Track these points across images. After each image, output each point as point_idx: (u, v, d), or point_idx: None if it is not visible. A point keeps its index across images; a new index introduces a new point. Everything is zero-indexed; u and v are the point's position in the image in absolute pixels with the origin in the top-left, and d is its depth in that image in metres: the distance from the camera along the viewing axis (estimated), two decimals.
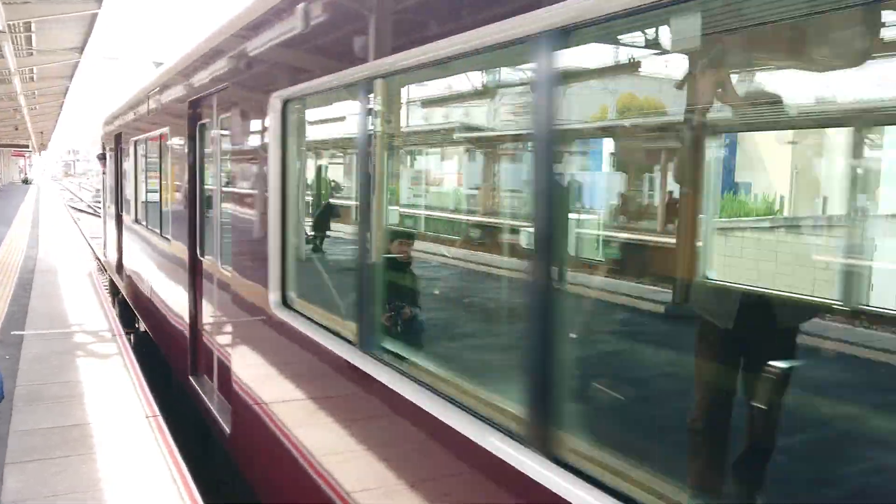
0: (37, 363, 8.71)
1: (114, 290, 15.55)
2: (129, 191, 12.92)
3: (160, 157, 9.75)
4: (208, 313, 7.14)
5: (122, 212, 13.92)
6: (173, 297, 8.67)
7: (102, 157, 17.10)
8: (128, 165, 12.88)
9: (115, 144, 14.43)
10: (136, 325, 12.72)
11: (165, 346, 9.55)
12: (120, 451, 6.14)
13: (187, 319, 7.74)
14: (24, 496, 5.28)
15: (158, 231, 9.68)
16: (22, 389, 7.67)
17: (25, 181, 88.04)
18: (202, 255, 7.30)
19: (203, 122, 7.25)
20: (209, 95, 6.71)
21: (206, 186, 7.44)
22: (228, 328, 6.19)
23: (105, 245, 17.25)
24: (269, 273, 4.94)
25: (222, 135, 6.52)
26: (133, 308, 12.59)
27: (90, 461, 5.91)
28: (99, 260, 22.08)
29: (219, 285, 6.54)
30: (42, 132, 71.60)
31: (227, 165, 6.46)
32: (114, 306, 13.97)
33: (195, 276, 7.54)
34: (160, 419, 6.92)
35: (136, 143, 11.85)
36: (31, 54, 27.44)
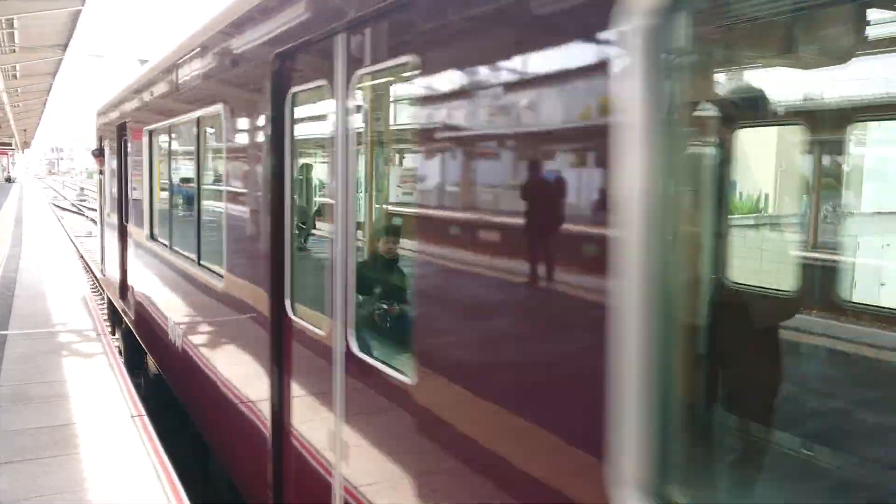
0: (21, 363, 8.68)
1: (111, 311, 13.26)
2: (138, 196, 9.73)
3: (197, 151, 6.88)
4: (312, 413, 4.22)
5: (127, 222, 10.85)
6: (229, 364, 5.75)
7: (99, 154, 13.89)
8: (137, 163, 9.78)
9: (119, 137, 11.39)
10: (146, 368, 10.11)
11: (216, 435, 6.35)
12: (106, 451, 6.15)
13: (265, 412, 4.79)
14: (12, 497, 5.29)
15: (194, 258, 6.73)
16: (6, 389, 7.66)
17: (9, 179, 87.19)
18: (294, 313, 4.45)
19: (301, 88, 4.36)
20: (325, 38, 3.84)
21: (305, 199, 4.92)
22: (400, 484, 3.23)
23: (103, 261, 13.99)
24: (605, 421, 1.96)
25: (370, 108, 4.07)
26: (146, 348, 9.60)
27: (77, 461, 5.92)
28: (84, 259, 21.99)
29: (352, 375, 3.65)
30: (25, 130, 71.05)
31: (379, 163, 4.50)
32: (113, 334, 12.43)
33: (280, 345, 4.62)
34: (145, 418, 6.93)
35: (151, 133, 8.88)
36: (14, 51, 27.23)
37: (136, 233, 9.87)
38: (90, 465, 5.85)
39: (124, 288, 11.18)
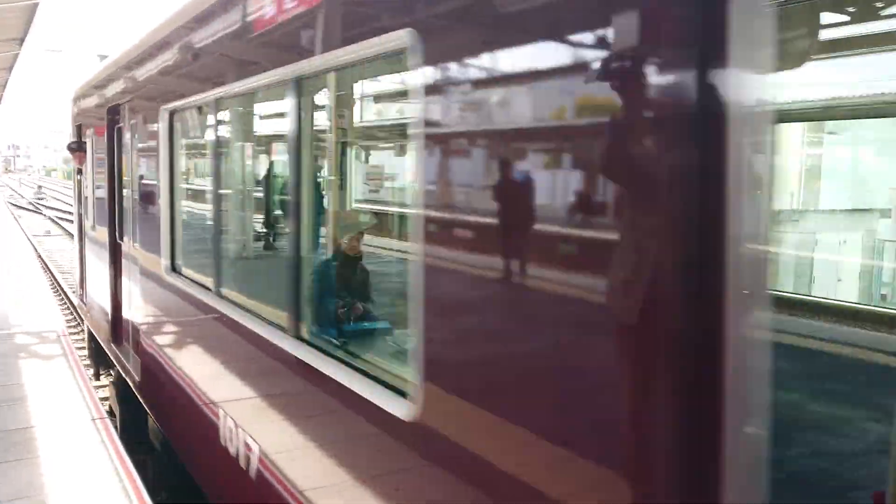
0: None
1: (92, 349, 10.78)
2: (147, 207, 6.97)
3: (298, 136, 3.82)
4: None
5: (122, 239, 8.11)
6: None
7: (76, 148, 10.90)
8: (143, 160, 7.18)
9: (110, 125, 8.56)
10: (153, 445, 7.44)
11: None
12: (67, 454, 6.06)
13: None
14: None
15: (287, 325, 3.91)
16: None
17: None
18: None
19: None
20: None
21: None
22: None
23: (82, 284, 11.08)
24: None
25: None
26: (166, 434, 6.65)
27: (36, 465, 5.82)
28: (42, 259, 21.56)
29: None
30: None
31: None
32: (97, 377, 10.55)
33: None
34: (107, 421, 6.85)
35: (174, 114, 6.05)
36: None
37: (144, 258, 7.02)
38: (50, 469, 5.76)
39: (118, 329, 8.24)
